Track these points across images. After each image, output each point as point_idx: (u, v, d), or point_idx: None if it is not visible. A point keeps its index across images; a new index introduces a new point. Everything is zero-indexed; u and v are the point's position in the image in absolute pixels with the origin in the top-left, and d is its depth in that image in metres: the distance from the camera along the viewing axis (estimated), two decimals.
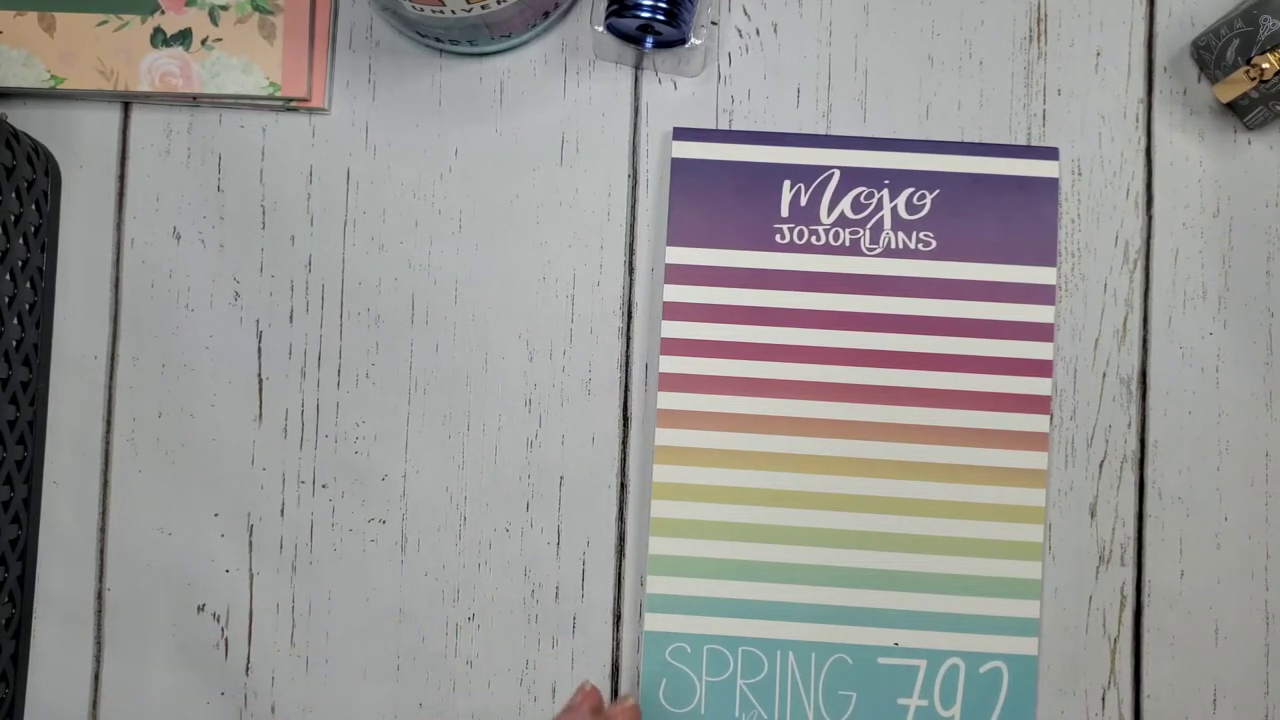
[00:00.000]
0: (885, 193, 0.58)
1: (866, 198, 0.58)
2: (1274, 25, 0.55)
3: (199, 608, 0.59)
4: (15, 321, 0.56)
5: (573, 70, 0.60)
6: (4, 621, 0.56)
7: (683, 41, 0.57)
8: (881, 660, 0.56)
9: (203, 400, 0.59)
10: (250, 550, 0.59)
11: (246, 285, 0.60)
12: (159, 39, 0.58)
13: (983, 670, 0.56)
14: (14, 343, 0.56)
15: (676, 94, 0.60)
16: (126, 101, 0.60)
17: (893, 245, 0.58)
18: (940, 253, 0.58)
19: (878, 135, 0.59)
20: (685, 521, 0.57)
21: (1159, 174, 0.59)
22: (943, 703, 0.56)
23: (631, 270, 0.59)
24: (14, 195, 0.56)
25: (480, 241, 0.60)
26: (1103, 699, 0.58)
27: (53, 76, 0.58)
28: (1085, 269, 0.59)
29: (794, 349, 0.57)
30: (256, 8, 0.58)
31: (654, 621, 0.57)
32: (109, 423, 0.59)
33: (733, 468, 0.57)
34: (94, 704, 0.59)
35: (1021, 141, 0.59)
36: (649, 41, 0.57)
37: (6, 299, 0.55)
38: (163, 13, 0.58)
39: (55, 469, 0.59)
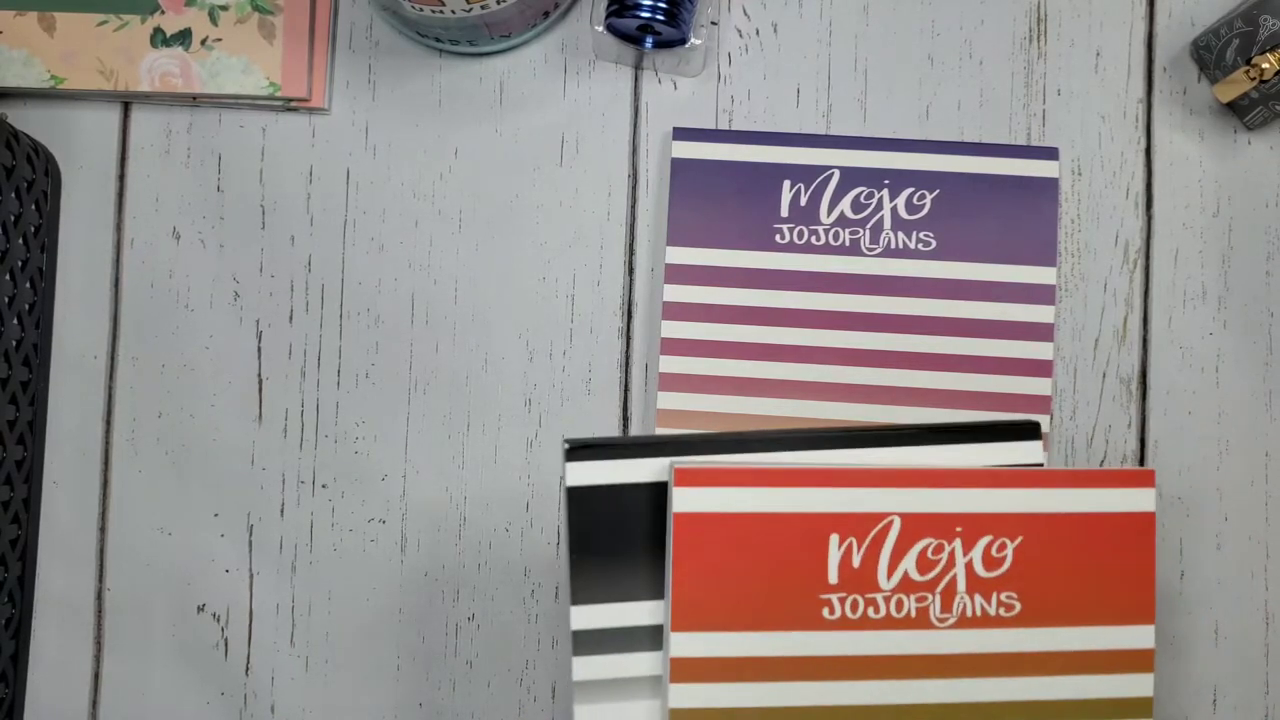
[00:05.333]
0: (885, 193, 0.58)
1: (866, 198, 0.58)
2: (1274, 25, 0.55)
3: (199, 608, 0.59)
4: (15, 321, 0.56)
5: (573, 70, 0.60)
6: (4, 621, 0.56)
7: (683, 41, 0.57)
8: None
9: (203, 400, 0.59)
10: (250, 550, 0.59)
11: (246, 285, 0.60)
12: (159, 39, 0.58)
13: None
14: (14, 343, 0.56)
15: (676, 94, 0.60)
16: (126, 101, 0.60)
17: (893, 245, 0.58)
18: (940, 253, 0.58)
19: (878, 135, 0.59)
20: None
21: (1159, 174, 0.59)
22: None
23: (631, 270, 0.59)
24: (14, 195, 0.56)
25: (480, 241, 0.60)
26: None
27: (53, 76, 0.58)
28: (1085, 269, 0.59)
29: (794, 349, 0.57)
30: (256, 8, 0.58)
31: None
32: (109, 423, 0.59)
33: None
34: (94, 704, 0.59)
35: (1021, 141, 0.59)
36: (649, 41, 0.57)
37: (6, 299, 0.56)
38: (163, 13, 0.58)
39: (55, 469, 0.59)
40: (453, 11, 0.54)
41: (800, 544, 0.43)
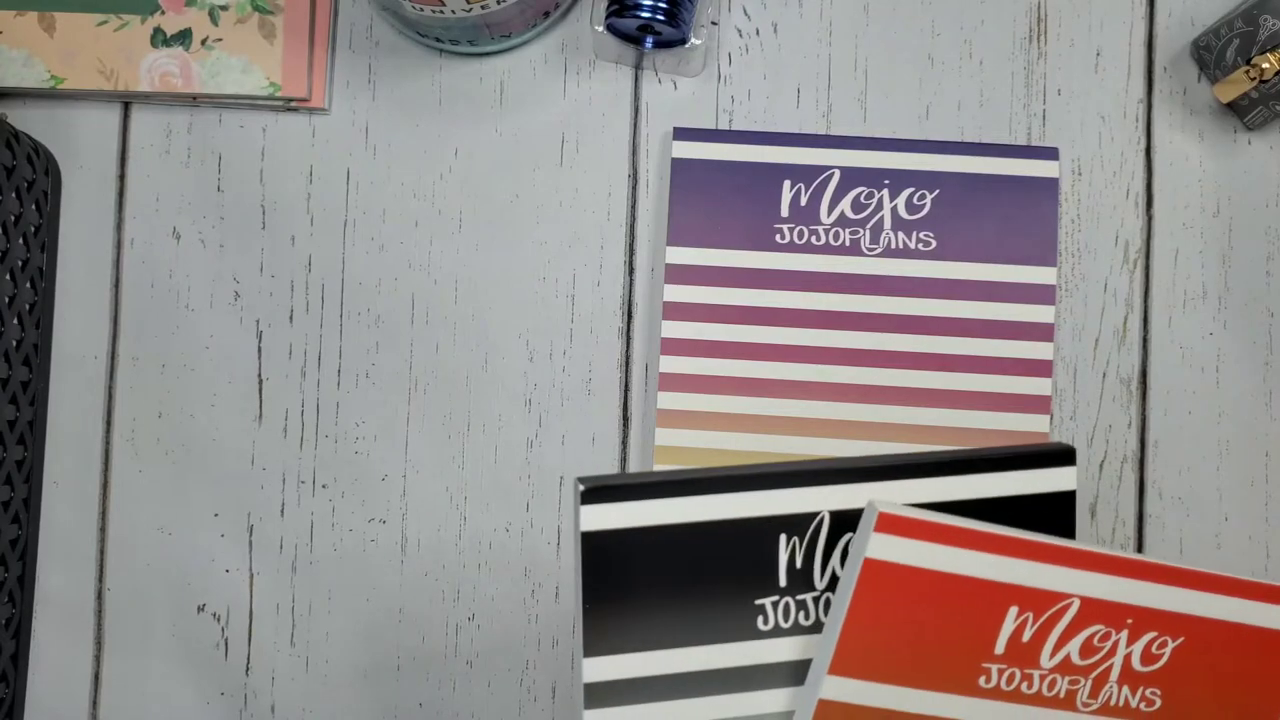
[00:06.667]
0: (885, 193, 0.58)
1: (866, 198, 0.58)
2: (1274, 25, 0.55)
3: (199, 608, 0.59)
4: (15, 321, 0.56)
5: (573, 70, 0.60)
6: (4, 621, 0.56)
7: (683, 41, 0.57)
8: None
9: (203, 400, 0.59)
10: (250, 550, 0.59)
11: (246, 285, 0.60)
12: (159, 39, 0.58)
13: None
14: (14, 343, 0.56)
15: (676, 94, 0.60)
16: (126, 101, 0.60)
17: (893, 245, 0.58)
18: (940, 253, 0.58)
19: (878, 135, 0.59)
20: None
21: (1159, 174, 0.59)
22: None
23: (631, 270, 0.59)
24: (14, 195, 0.56)
25: (480, 241, 0.60)
26: None
27: (53, 76, 0.58)
28: (1085, 269, 0.59)
29: (794, 349, 0.57)
30: (256, 8, 0.58)
31: None
32: (109, 423, 0.59)
33: None
34: (94, 704, 0.59)
35: (1021, 141, 0.59)
36: (649, 41, 0.57)
37: (6, 299, 0.55)
38: (163, 13, 0.58)
39: (55, 469, 0.59)
40: (453, 11, 0.54)
41: (978, 610, 0.42)
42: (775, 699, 0.43)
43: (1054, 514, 0.45)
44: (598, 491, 0.41)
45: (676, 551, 0.42)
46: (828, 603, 0.43)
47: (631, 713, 0.42)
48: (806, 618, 0.43)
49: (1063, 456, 0.45)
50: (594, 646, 0.42)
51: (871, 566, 0.42)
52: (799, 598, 0.43)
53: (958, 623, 0.42)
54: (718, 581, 0.42)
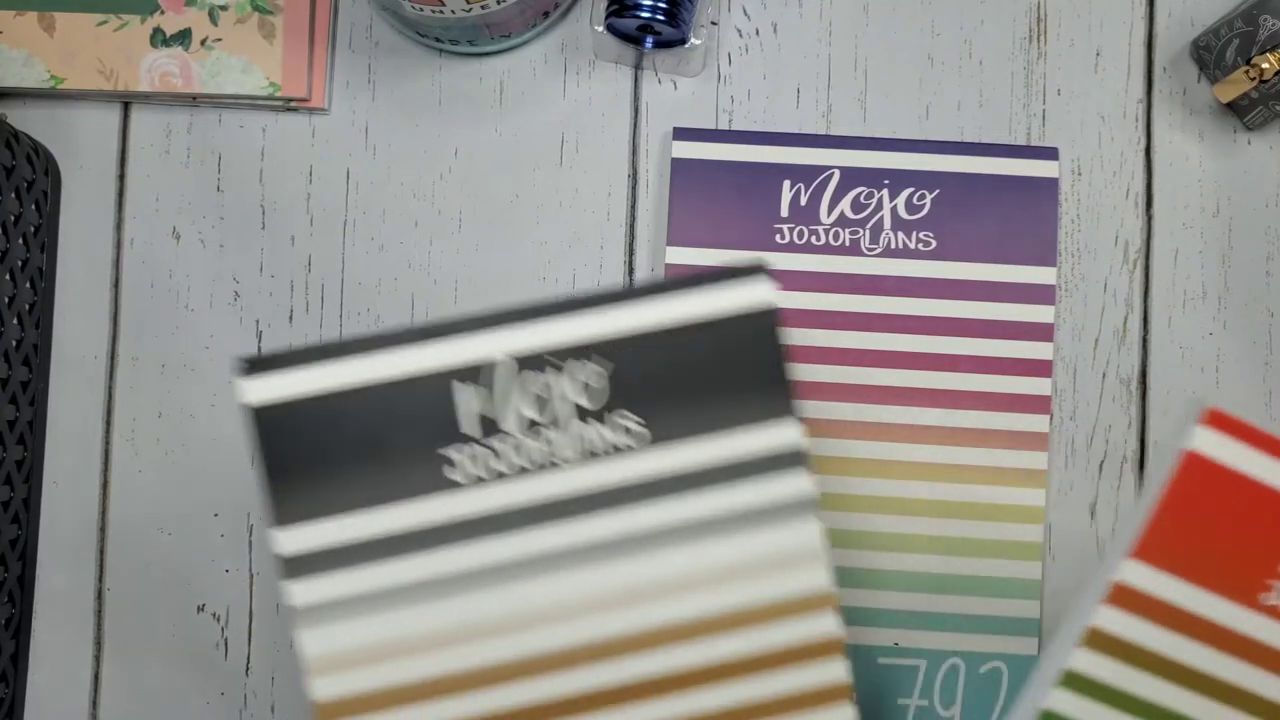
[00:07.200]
0: (885, 193, 0.58)
1: (866, 198, 0.58)
2: (1274, 25, 0.55)
3: (199, 608, 0.59)
4: (15, 321, 0.56)
5: (573, 70, 0.60)
6: (4, 621, 0.56)
7: (683, 41, 0.57)
8: (881, 660, 0.56)
9: (203, 400, 0.59)
10: (250, 550, 0.59)
11: (246, 285, 0.60)
12: (159, 39, 0.58)
13: (983, 670, 0.56)
14: (14, 343, 0.56)
15: (676, 94, 0.60)
16: (126, 101, 0.60)
17: (893, 245, 0.58)
18: (940, 253, 0.58)
19: (878, 135, 0.59)
20: None
21: (1159, 174, 0.59)
22: (943, 703, 0.56)
23: (631, 270, 0.59)
24: (14, 195, 0.56)
25: (480, 241, 0.60)
26: None
27: (53, 76, 0.58)
28: (1085, 269, 0.59)
29: (793, 349, 0.57)
30: (256, 8, 0.58)
31: None
32: (109, 423, 0.59)
33: None
34: (94, 704, 0.59)
35: (1021, 141, 0.59)
36: (649, 41, 0.57)
37: (6, 299, 0.56)
38: (163, 13, 0.58)
39: (55, 469, 0.59)
40: (453, 11, 0.54)
41: (1275, 526, 0.43)
42: (484, 551, 0.42)
43: (755, 335, 0.42)
44: (259, 363, 0.41)
45: (354, 414, 0.41)
46: (518, 447, 0.41)
47: (334, 579, 0.41)
48: (498, 461, 0.41)
49: (752, 270, 0.42)
50: (286, 516, 0.41)
51: (1192, 461, 0.43)
52: (487, 443, 0.42)
53: (1254, 534, 0.43)
54: (399, 437, 0.42)
